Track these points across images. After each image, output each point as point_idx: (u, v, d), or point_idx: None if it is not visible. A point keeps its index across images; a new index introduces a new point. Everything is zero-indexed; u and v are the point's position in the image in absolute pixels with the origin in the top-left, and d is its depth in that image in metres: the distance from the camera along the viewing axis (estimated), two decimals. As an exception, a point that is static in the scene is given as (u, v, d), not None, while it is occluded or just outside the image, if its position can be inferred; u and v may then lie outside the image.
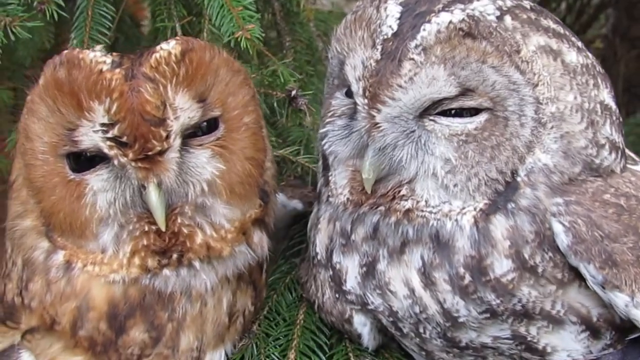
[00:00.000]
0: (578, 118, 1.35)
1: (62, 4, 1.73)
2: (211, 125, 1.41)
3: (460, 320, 1.42)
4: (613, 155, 1.40)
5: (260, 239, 1.51)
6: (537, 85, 1.33)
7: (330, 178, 1.50)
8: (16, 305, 1.44)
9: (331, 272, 1.55)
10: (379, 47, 1.33)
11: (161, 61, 1.31)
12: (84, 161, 1.36)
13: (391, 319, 1.50)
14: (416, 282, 1.43)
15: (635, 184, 1.41)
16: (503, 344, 1.44)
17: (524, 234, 1.36)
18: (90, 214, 1.36)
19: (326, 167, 1.52)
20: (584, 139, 1.36)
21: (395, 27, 1.33)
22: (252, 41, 1.62)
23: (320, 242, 1.58)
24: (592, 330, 1.40)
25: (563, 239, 1.34)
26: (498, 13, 1.34)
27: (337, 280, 1.54)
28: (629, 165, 1.46)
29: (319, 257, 1.59)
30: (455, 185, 1.38)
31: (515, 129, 1.35)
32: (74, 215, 1.37)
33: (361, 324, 1.58)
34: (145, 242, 1.38)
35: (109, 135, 1.29)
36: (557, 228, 1.35)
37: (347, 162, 1.46)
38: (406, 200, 1.40)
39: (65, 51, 1.34)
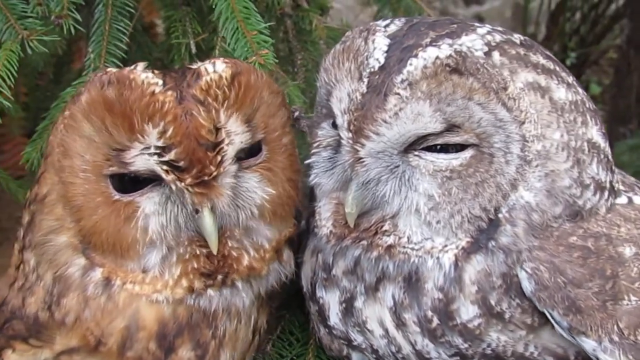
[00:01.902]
0: (564, 156, 1.32)
1: (79, 18, 1.75)
2: (254, 148, 1.42)
3: None
4: (597, 196, 1.36)
5: (289, 256, 1.52)
6: (523, 122, 1.31)
7: (316, 209, 1.48)
8: (41, 321, 1.42)
9: (317, 307, 1.54)
10: (365, 80, 1.31)
11: (212, 84, 1.32)
12: (128, 181, 1.35)
13: (374, 356, 1.50)
14: (389, 322, 1.43)
15: (610, 221, 1.37)
16: None
17: (492, 280, 1.35)
18: (141, 236, 1.36)
19: (313, 198, 1.51)
20: (568, 178, 1.33)
21: (382, 60, 1.31)
22: (265, 67, 1.61)
23: (304, 274, 1.57)
24: None
25: (527, 286, 1.32)
26: (486, 49, 1.32)
27: (323, 315, 1.53)
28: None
29: (304, 290, 1.58)
30: (438, 222, 1.35)
31: (500, 166, 1.32)
32: (119, 235, 1.36)
33: None
34: (195, 265, 1.38)
35: (165, 159, 1.29)
36: (521, 274, 1.33)
37: (331, 195, 1.44)
38: (388, 235, 1.38)
39: (114, 70, 1.34)
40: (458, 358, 1.40)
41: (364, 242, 1.40)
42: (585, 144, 1.34)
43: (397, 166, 1.35)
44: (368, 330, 1.46)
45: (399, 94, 1.28)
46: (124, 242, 1.36)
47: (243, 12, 1.69)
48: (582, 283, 1.30)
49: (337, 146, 1.40)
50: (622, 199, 1.44)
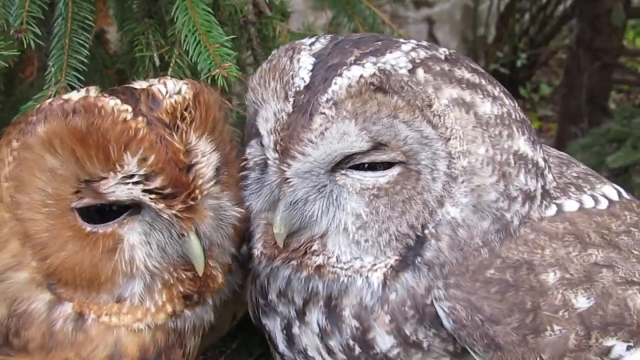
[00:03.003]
0: (489, 171, 1.31)
1: (39, 32, 1.71)
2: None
3: None
4: (527, 206, 1.35)
5: (236, 266, 1.50)
6: (449, 139, 1.29)
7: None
8: None
9: (266, 334, 1.53)
10: (291, 100, 1.30)
11: (177, 107, 1.29)
12: (94, 212, 1.30)
13: None
14: (321, 349, 1.43)
15: (533, 244, 1.34)
16: None
17: (404, 309, 1.34)
18: (126, 267, 1.31)
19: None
20: (494, 192, 1.31)
21: (307, 80, 1.30)
22: (229, 80, 1.60)
23: (248, 301, 1.56)
24: None
25: (446, 324, 1.31)
26: (410, 66, 1.30)
27: (272, 343, 1.52)
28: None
29: (251, 317, 1.57)
30: (366, 241, 1.34)
31: (427, 183, 1.31)
32: (95, 269, 1.31)
33: None
34: (181, 289, 1.36)
35: (150, 187, 1.26)
36: (440, 312, 1.32)
37: (260, 215, 1.42)
38: (317, 255, 1.37)
39: (74, 98, 1.28)
40: None
41: (294, 262, 1.38)
42: (512, 156, 1.32)
43: (325, 185, 1.34)
44: (310, 357, 1.45)
45: (324, 113, 1.27)
46: (102, 275, 1.32)
47: (205, 25, 1.67)
48: (501, 319, 1.28)
49: (264, 166, 1.38)
50: (551, 210, 1.40)
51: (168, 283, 1.36)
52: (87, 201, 1.28)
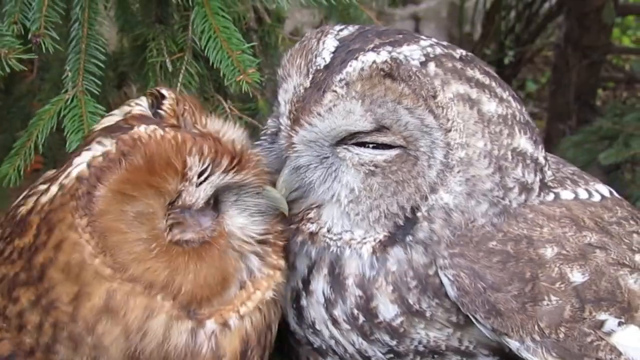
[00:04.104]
0: (485, 163, 1.38)
1: (57, 37, 1.73)
2: None
3: (374, 359, 1.47)
4: (523, 195, 1.42)
5: None
6: (449, 130, 1.36)
7: None
8: None
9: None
10: (311, 77, 1.39)
11: (173, 107, 1.34)
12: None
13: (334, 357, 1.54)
14: (327, 320, 1.48)
15: (532, 222, 1.41)
16: None
17: (406, 280, 1.40)
18: (244, 246, 1.39)
19: None
20: (490, 182, 1.38)
21: (328, 60, 1.39)
22: (252, 85, 1.64)
23: None
24: (508, 359, 1.42)
25: (450, 291, 1.37)
26: (423, 59, 1.37)
27: (285, 323, 1.55)
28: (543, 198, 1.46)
29: None
30: (356, 215, 1.42)
31: (423, 169, 1.38)
32: (222, 267, 1.35)
33: None
34: (280, 243, 1.43)
35: (223, 169, 1.32)
36: (444, 280, 1.37)
37: None
38: (312, 223, 1.45)
39: (115, 145, 1.27)
40: (392, 356, 1.46)
41: (293, 227, 1.46)
42: (510, 152, 1.39)
43: (327, 157, 1.42)
44: (318, 331, 1.50)
45: (335, 91, 1.35)
46: (229, 268, 1.36)
47: (225, 32, 1.70)
48: (502, 287, 1.34)
49: (277, 134, 1.47)
50: (549, 197, 1.47)
51: (273, 243, 1.42)
52: (191, 235, 1.33)
